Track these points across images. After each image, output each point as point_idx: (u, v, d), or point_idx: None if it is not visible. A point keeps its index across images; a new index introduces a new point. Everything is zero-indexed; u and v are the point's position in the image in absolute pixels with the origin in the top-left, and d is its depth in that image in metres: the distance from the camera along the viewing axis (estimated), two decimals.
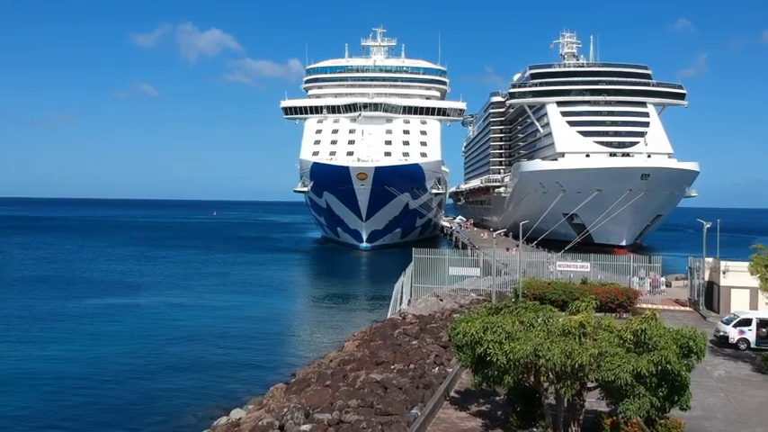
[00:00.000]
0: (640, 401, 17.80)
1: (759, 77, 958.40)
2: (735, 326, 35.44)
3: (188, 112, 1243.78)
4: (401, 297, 53.23)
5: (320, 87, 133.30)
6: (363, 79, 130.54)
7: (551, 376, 17.44)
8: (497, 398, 25.33)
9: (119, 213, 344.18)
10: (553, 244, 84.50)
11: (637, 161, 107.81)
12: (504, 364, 17.26)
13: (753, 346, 34.77)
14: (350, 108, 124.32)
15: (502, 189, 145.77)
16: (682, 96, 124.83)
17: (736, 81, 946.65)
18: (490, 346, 17.40)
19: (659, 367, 17.35)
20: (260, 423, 23.48)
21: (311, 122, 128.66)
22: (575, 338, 17.21)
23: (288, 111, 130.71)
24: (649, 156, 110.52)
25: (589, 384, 18.18)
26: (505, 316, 19.29)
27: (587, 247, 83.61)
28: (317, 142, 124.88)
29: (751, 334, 35.07)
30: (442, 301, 50.32)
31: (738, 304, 41.46)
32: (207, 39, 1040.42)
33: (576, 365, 16.44)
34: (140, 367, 39.38)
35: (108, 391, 34.50)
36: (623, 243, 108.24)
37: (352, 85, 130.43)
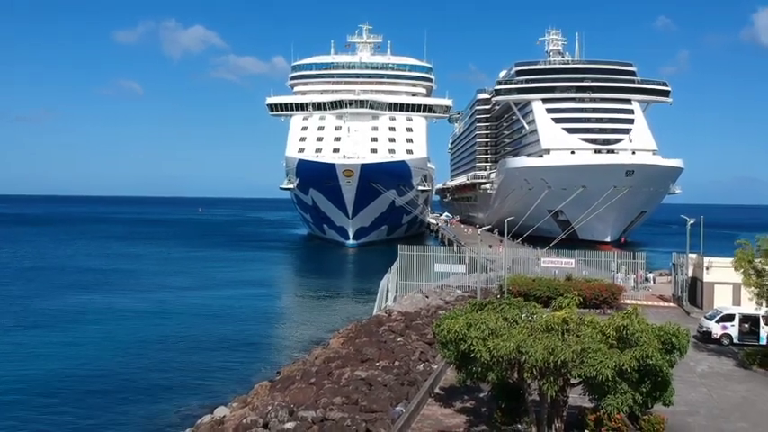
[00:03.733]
0: (623, 397, 17.86)
1: (739, 75, 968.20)
2: (718, 321, 35.68)
3: (173, 109, 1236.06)
4: (387, 294, 53.21)
5: (306, 84, 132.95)
6: (349, 76, 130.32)
7: (535, 372, 17.44)
8: (481, 394, 25.35)
9: (103, 210, 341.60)
10: (538, 240, 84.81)
11: (621, 158, 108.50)
12: (488, 360, 17.25)
13: (735, 341, 35.00)
14: (336, 105, 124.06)
15: (488, 186, 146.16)
16: (666, 93, 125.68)
17: (716, 78, 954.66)
18: (474, 343, 17.39)
19: (642, 363, 17.41)
20: (244, 421, 23.38)
21: (297, 119, 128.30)
22: (558, 335, 17.24)
23: (273, 107, 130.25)
24: (634, 153, 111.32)
25: (572, 380, 18.21)
26: (489, 313, 19.29)
27: (572, 243, 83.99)
28: (303, 139, 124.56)
29: (734, 329, 35.32)
30: (427, 297, 50.31)
31: (721, 300, 41.70)
32: (190, 35, 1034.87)
33: (559, 362, 16.46)
34: (123, 366, 39.09)
35: (90, 391, 34.20)
36: (608, 239, 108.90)
37: (337, 82, 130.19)
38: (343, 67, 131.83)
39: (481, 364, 17.86)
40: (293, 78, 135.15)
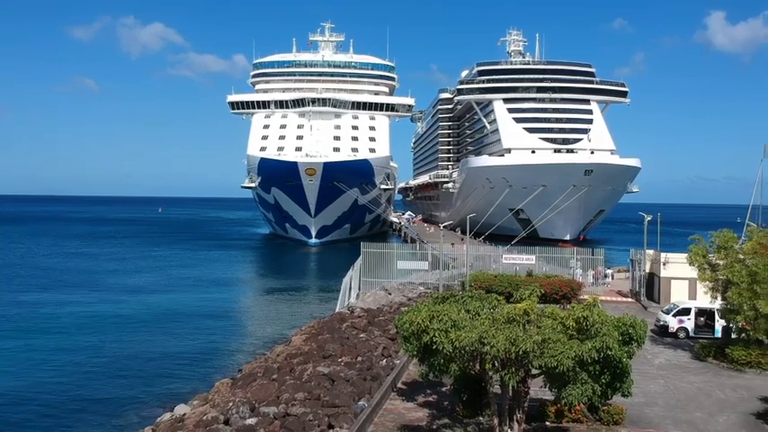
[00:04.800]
0: (583, 388, 18.05)
1: (693, 76, 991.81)
2: (674, 315, 36.46)
3: (132, 107, 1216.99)
4: (349, 291, 53.09)
5: (268, 82, 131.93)
6: (312, 74, 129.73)
7: (496, 364, 17.53)
8: (444, 389, 25.44)
9: (60, 209, 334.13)
10: (500, 238, 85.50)
11: (580, 157, 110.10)
12: (450, 352, 17.26)
13: (691, 334, 35.81)
14: (298, 103, 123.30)
15: (450, 185, 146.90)
16: (624, 94, 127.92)
17: (672, 80, 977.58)
18: (436, 335, 17.38)
19: (601, 354, 17.61)
20: (204, 418, 23.09)
21: (259, 117, 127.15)
22: (519, 326, 17.34)
23: (235, 105, 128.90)
24: (593, 152, 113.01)
25: (533, 371, 18.35)
26: (451, 305, 19.31)
27: (533, 241, 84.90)
28: (265, 137, 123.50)
29: (690, 323, 36.12)
30: (390, 294, 50.39)
31: (678, 295, 42.65)
32: (149, 32, 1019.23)
33: (521, 352, 16.55)
34: (78, 367, 38.28)
35: (45, 391, 33.44)
36: (567, 237, 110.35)
37: (300, 80, 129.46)
38: (305, 66, 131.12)
39: (443, 356, 17.86)
40: (255, 76, 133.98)
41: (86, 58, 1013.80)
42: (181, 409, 27.79)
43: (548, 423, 22.40)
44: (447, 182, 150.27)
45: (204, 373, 36.83)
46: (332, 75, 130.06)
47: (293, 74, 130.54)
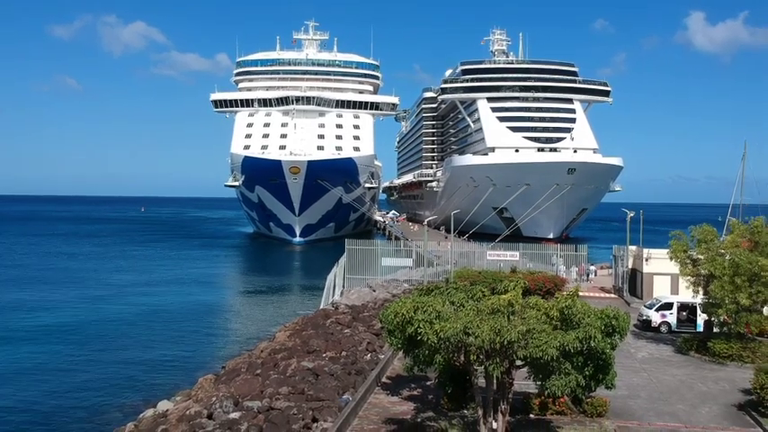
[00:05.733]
0: (566, 379, 18.08)
1: (674, 77, 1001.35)
2: (657, 310, 36.74)
3: (114, 107, 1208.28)
4: (334, 288, 52.98)
5: (251, 80, 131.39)
6: (296, 72, 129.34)
7: (481, 356, 17.52)
8: (428, 383, 25.44)
9: (43, 208, 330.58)
10: (484, 237, 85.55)
11: (564, 156, 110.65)
12: (435, 343, 17.22)
13: (674, 329, 36.09)
14: (282, 101, 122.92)
15: (434, 183, 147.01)
16: (606, 93, 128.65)
17: (653, 80, 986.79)
18: (421, 326, 17.33)
19: (584, 344, 17.66)
20: (188, 412, 22.92)
21: (242, 116, 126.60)
22: (504, 316, 17.35)
23: (218, 104, 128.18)
24: (576, 151, 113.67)
25: (517, 363, 18.38)
26: (436, 297, 19.30)
27: (516, 240, 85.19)
28: (249, 136, 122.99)
29: (672, 317, 36.40)
30: (374, 291, 50.30)
31: (660, 290, 42.94)
32: (131, 31, 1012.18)
33: (506, 342, 16.55)
34: (60, 364, 38.08)
35: (26, 389, 33.16)
36: (551, 236, 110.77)
37: (283, 79, 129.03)
38: (289, 64, 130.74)
39: (428, 348, 17.83)
40: (238, 74, 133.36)
41: (68, 57, 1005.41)
42: (163, 405, 27.58)
43: (532, 415, 22.48)
44: (431, 181, 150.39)
45: (187, 370, 36.61)
46: (316, 73, 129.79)
47: (277, 72, 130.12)
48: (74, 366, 37.68)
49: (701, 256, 31.34)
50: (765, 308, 30.32)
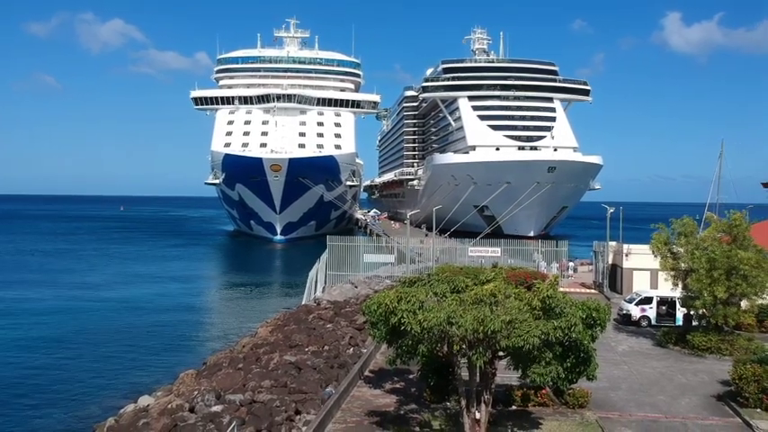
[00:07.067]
0: (548, 368, 18.23)
1: (651, 77, 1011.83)
2: (637, 304, 37.10)
3: (93, 105, 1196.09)
4: (315, 284, 52.87)
5: (232, 78, 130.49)
6: (277, 70, 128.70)
7: (464, 346, 17.56)
8: (411, 376, 25.49)
9: (21, 207, 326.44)
10: (465, 235, 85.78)
11: (544, 154, 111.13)
12: (419, 333, 17.23)
13: (653, 323, 36.46)
14: (263, 99, 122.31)
15: (415, 182, 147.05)
16: (586, 93, 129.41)
17: (630, 80, 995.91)
18: (404, 316, 17.34)
19: (566, 333, 17.78)
20: (169, 406, 22.76)
21: (223, 113, 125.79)
22: (487, 306, 17.40)
23: (198, 101, 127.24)
24: (556, 149, 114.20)
25: (500, 353, 18.45)
26: (419, 288, 19.32)
27: (497, 238, 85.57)
28: (229, 133, 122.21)
29: (652, 311, 36.78)
30: (356, 287, 50.26)
31: (640, 285, 43.38)
32: (109, 29, 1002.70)
33: (489, 332, 16.60)
34: (39, 360, 37.75)
35: (4, 386, 32.73)
36: (531, 234, 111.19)
37: (264, 76, 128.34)
38: (270, 62, 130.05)
39: (412, 338, 17.84)
40: (219, 72, 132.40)
41: (46, 54, 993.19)
42: (144, 400, 27.34)
43: (514, 407, 22.60)
44: (412, 179, 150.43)
45: (168, 365, 36.33)
46: (297, 71, 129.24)
47: (258, 70, 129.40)
48: (52, 363, 37.25)
49: (681, 249, 31.67)
50: (743, 301, 30.70)
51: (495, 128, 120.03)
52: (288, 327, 36.41)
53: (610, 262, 48.09)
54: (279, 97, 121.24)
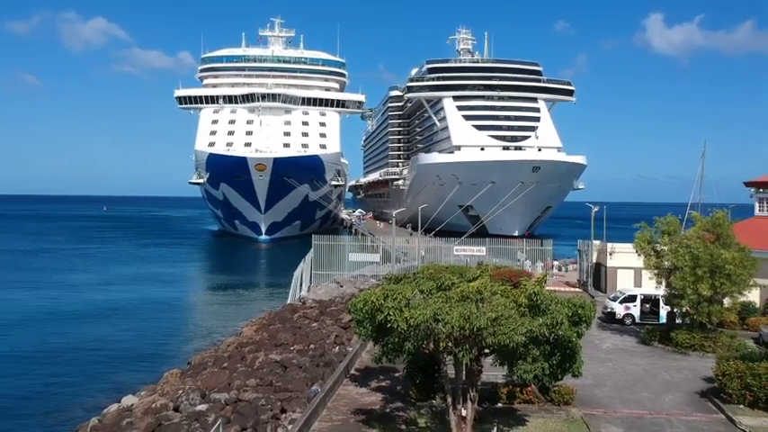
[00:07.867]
0: (534, 365, 18.27)
1: (634, 77, 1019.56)
2: (621, 302, 37.32)
3: (75, 104, 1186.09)
4: (301, 284, 52.71)
5: (216, 77, 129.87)
6: (261, 69, 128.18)
7: (450, 343, 17.55)
8: (397, 374, 25.49)
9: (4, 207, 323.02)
10: (450, 235, 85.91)
11: (528, 154, 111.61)
12: (405, 330, 17.19)
13: (637, 320, 36.71)
14: (247, 98, 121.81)
15: (400, 182, 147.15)
16: (570, 93, 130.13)
17: (613, 80, 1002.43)
18: (390, 313, 17.29)
19: (552, 330, 17.83)
20: (153, 405, 22.56)
21: (207, 112, 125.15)
22: (473, 303, 17.39)
23: (182, 100, 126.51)
24: (540, 149, 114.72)
25: (486, 350, 18.45)
26: (405, 285, 19.29)
27: (482, 237, 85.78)
28: (214, 133, 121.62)
29: (636, 309, 37.02)
30: (342, 287, 50.18)
31: (624, 283, 43.63)
32: (91, 28, 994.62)
33: (475, 329, 16.60)
34: (21, 360, 37.35)
35: None
36: (515, 233, 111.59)
37: (249, 75, 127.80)
38: (255, 61, 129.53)
39: (398, 335, 17.79)
40: (203, 71, 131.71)
41: (27, 53, 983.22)
42: (128, 399, 27.07)
43: (500, 404, 22.64)
44: (397, 179, 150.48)
45: (151, 365, 36.03)
46: (282, 70, 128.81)
47: (242, 69, 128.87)
48: (34, 363, 36.86)
49: (665, 247, 31.89)
50: (726, 299, 30.96)
51: (479, 128, 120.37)
52: (273, 326, 36.26)
53: (594, 261, 48.34)
54: (263, 96, 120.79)
